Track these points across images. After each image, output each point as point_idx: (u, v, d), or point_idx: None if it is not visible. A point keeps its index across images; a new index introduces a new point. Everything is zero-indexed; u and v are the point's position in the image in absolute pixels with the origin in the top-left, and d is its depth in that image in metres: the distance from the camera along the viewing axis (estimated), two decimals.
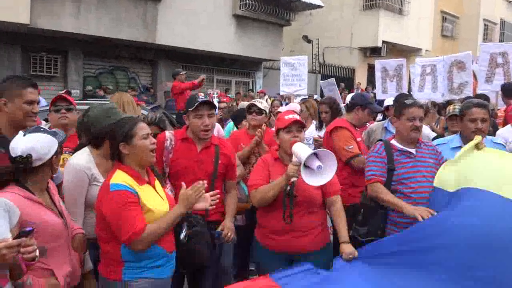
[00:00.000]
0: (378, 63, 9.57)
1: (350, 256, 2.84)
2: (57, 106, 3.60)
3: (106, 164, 2.81)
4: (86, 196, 2.80)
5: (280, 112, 4.99)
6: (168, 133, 3.43)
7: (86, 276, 2.68)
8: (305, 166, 2.78)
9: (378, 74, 9.43)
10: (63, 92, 9.66)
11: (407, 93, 8.84)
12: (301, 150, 2.83)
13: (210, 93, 12.87)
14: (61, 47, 12.99)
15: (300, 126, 3.15)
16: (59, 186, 2.80)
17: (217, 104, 7.53)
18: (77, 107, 3.87)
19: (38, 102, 2.95)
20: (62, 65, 13.34)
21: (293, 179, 2.87)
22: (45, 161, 2.31)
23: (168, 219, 2.55)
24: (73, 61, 13.41)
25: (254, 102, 4.61)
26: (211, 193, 2.82)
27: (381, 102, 6.82)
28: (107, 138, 2.69)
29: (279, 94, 11.20)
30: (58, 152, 2.41)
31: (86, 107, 3.38)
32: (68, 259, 2.46)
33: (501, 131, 4.89)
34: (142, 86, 15.24)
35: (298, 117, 3.18)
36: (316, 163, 2.74)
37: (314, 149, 3.18)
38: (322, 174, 2.77)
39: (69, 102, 3.65)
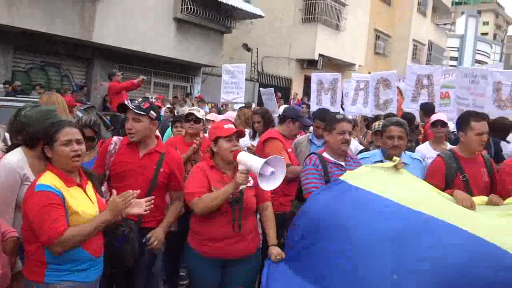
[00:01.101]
0: (315, 76, 9.75)
1: (278, 257, 3.05)
2: None
3: (39, 165, 2.79)
4: (18, 196, 2.76)
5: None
6: (116, 138, 3.48)
7: (15, 277, 2.65)
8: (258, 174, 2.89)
9: (313, 86, 9.60)
10: None
11: (340, 106, 9.26)
12: (251, 159, 2.96)
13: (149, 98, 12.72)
14: None
15: (239, 135, 3.29)
16: None
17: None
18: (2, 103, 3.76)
19: None
20: None
21: (242, 186, 2.99)
22: None
23: (92, 224, 2.55)
24: (1, 55, 12.76)
25: (191, 111, 4.67)
26: (146, 198, 2.86)
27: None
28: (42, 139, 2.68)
29: (216, 103, 11.26)
30: None
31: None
32: None
33: (420, 147, 5.25)
34: (75, 84, 14.75)
35: (235, 128, 3.30)
36: (269, 169, 2.87)
37: None
38: (274, 179, 2.90)
39: None
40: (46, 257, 2.46)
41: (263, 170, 2.85)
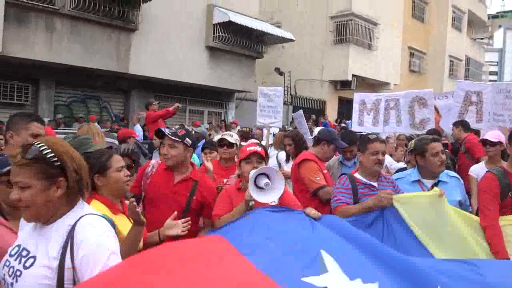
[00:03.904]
0: (357, 96, 9.59)
1: (313, 212, 2.88)
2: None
3: None
4: None
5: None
6: (154, 161, 3.60)
7: None
8: (258, 187, 2.87)
9: (356, 106, 9.43)
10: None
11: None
12: (251, 173, 2.96)
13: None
14: (33, 75, 12.92)
15: (260, 157, 3.27)
16: None
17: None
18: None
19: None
20: (33, 93, 13.24)
21: (251, 203, 2.96)
22: None
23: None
24: (44, 89, 13.33)
25: (224, 136, 4.73)
26: (183, 220, 2.89)
27: None
28: None
29: (247, 129, 11.19)
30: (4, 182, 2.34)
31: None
32: None
33: (474, 167, 5.19)
34: (114, 115, 15.20)
35: (259, 149, 3.30)
36: (263, 181, 2.83)
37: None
38: (273, 191, 2.86)
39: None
40: None
41: (259, 182, 2.84)
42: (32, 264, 1.77)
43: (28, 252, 1.82)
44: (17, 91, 12.78)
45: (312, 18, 21.69)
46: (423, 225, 3.15)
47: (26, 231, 1.93)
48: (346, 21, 21.13)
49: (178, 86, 15.81)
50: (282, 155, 5.99)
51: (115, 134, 9.91)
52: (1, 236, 2.19)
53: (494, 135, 5.16)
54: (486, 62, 38.62)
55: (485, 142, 5.08)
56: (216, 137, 4.94)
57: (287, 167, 5.64)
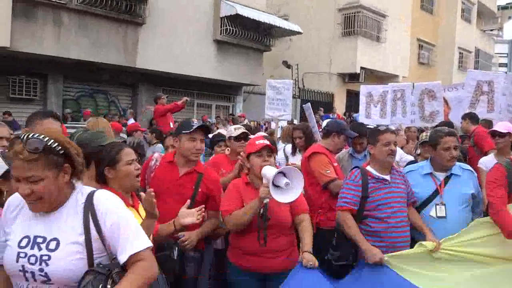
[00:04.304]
0: (364, 88, 9.53)
1: (310, 263, 2.91)
2: None
3: (91, 185, 2.84)
4: None
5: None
6: (157, 154, 3.61)
7: None
8: (275, 186, 2.84)
9: (362, 99, 9.37)
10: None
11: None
12: (269, 171, 2.93)
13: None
14: (41, 70, 12.95)
15: (270, 150, 3.25)
16: None
17: None
18: None
19: None
20: (41, 88, 13.28)
21: (265, 200, 2.94)
22: None
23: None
24: (52, 84, 13.36)
25: (243, 130, 4.67)
26: (196, 208, 2.90)
27: None
28: (94, 160, 2.74)
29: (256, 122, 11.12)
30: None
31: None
32: None
33: (483, 159, 5.09)
34: (122, 109, 15.22)
35: (268, 142, 3.27)
36: (283, 181, 2.82)
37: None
38: (291, 191, 2.85)
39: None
40: None
41: (278, 181, 2.82)
42: (57, 245, 1.85)
43: (44, 238, 1.88)
44: (26, 86, 12.81)
45: (320, 10, 21.53)
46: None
47: (22, 222, 1.95)
48: (354, 13, 20.96)
49: (185, 80, 15.78)
50: (289, 148, 5.95)
51: (123, 128, 9.97)
52: None
53: (503, 126, 5.06)
54: (495, 53, 38.17)
55: (494, 134, 4.99)
56: (228, 130, 4.88)
57: (294, 160, 5.61)
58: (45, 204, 1.86)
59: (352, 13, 21.02)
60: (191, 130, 3.34)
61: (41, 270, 1.82)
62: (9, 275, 1.93)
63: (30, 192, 1.80)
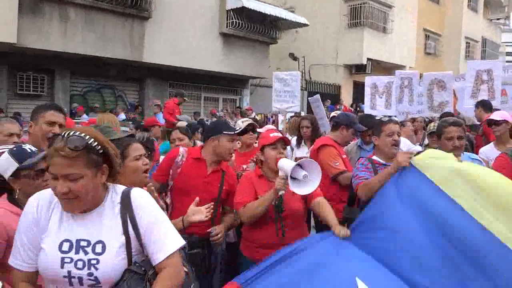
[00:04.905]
0: (369, 79, 9.56)
1: (343, 232, 2.79)
2: None
3: None
4: None
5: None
6: (182, 149, 3.57)
7: None
8: (292, 178, 2.86)
9: (367, 90, 9.42)
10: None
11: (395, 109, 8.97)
12: (287, 163, 2.93)
13: None
14: (48, 66, 13.02)
15: (285, 143, 3.27)
16: None
17: None
18: None
19: (61, 125, 3.03)
20: (49, 83, 13.35)
21: (281, 192, 2.94)
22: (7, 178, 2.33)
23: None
24: (59, 79, 13.43)
25: (251, 121, 4.73)
26: (205, 206, 2.89)
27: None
28: None
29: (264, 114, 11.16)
30: (30, 176, 2.36)
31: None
32: None
33: (483, 149, 4.98)
34: (129, 104, 15.27)
35: (281, 135, 3.30)
36: (302, 173, 2.82)
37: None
38: (309, 182, 2.85)
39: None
40: None
41: (295, 174, 2.82)
42: (104, 248, 1.84)
43: (88, 241, 1.85)
44: (33, 82, 12.90)
45: (326, 2, 21.40)
46: (457, 188, 2.52)
47: (57, 224, 1.89)
48: (360, 4, 20.82)
49: (192, 74, 15.80)
50: (294, 140, 5.96)
51: (130, 122, 10.02)
52: (10, 226, 2.18)
53: (499, 114, 5.00)
54: (502, 43, 37.72)
55: (490, 122, 4.94)
56: (236, 124, 4.91)
57: (299, 152, 5.63)
58: (80, 203, 1.83)
59: (358, 4, 20.88)
60: (234, 132, 3.45)
61: (90, 274, 1.80)
62: (47, 280, 1.87)
63: (68, 191, 1.76)
